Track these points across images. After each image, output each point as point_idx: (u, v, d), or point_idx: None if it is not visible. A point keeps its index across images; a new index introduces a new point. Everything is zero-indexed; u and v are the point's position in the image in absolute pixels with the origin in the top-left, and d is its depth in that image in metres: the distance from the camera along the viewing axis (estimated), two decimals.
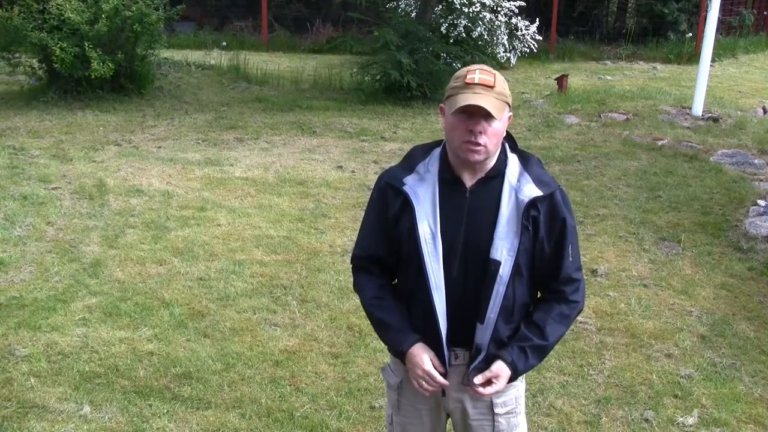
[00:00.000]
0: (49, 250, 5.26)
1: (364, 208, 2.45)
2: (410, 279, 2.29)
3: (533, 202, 2.19)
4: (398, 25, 10.40)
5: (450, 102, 2.17)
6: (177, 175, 6.92)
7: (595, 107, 9.84)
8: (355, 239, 2.43)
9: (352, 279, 2.45)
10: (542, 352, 2.27)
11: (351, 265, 2.44)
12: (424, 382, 2.23)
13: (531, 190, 2.20)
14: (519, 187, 2.21)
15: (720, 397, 3.87)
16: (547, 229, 2.22)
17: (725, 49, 15.19)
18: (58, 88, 9.36)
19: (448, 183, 2.23)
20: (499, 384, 2.23)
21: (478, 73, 2.15)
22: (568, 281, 2.28)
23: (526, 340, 2.24)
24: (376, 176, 2.47)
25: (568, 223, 2.25)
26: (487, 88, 2.12)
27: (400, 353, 2.28)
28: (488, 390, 2.23)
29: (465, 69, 2.20)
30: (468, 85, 2.13)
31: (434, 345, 2.25)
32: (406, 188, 2.24)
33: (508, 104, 2.19)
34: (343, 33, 14.82)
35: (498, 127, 2.14)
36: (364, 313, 2.42)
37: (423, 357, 2.23)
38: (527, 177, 2.23)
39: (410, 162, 2.30)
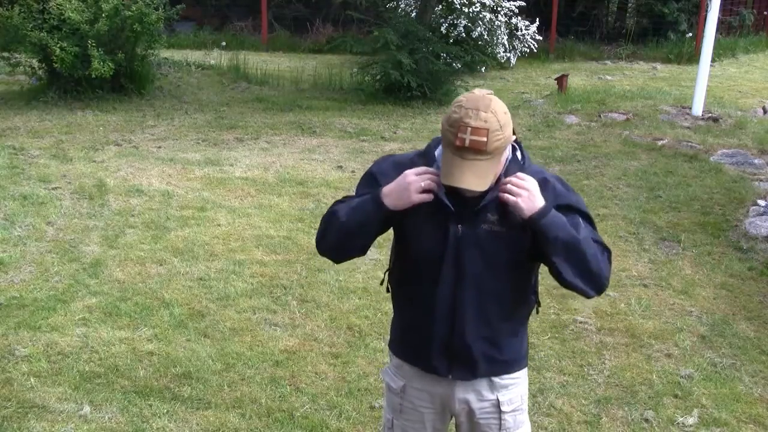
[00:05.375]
0: (49, 250, 5.26)
1: None
2: (409, 270, 2.26)
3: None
4: (398, 25, 10.39)
5: (441, 154, 2.06)
6: (177, 175, 6.92)
7: (595, 107, 9.83)
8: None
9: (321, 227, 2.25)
10: (568, 233, 2.06)
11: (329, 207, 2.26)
12: (422, 182, 2.06)
13: None
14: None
15: (720, 397, 3.87)
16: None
17: (725, 49, 15.16)
18: (58, 88, 9.36)
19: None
20: (525, 191, 2.03)
21: (469, 133, 1.94)
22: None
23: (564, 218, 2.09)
24: None
25: (579, 208, 2.16)
26: (478, 152, 1.96)
27: (379, 201, 2.10)
28: (508, 196, 2.04)
29: (459, 116, 1.97)
30: (458, 150, 1.97)
31: (433, 343, 2.22)
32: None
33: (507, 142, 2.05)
34: (343, 33, 14.80)
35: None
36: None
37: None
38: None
39: (428, 158, 2.20)
